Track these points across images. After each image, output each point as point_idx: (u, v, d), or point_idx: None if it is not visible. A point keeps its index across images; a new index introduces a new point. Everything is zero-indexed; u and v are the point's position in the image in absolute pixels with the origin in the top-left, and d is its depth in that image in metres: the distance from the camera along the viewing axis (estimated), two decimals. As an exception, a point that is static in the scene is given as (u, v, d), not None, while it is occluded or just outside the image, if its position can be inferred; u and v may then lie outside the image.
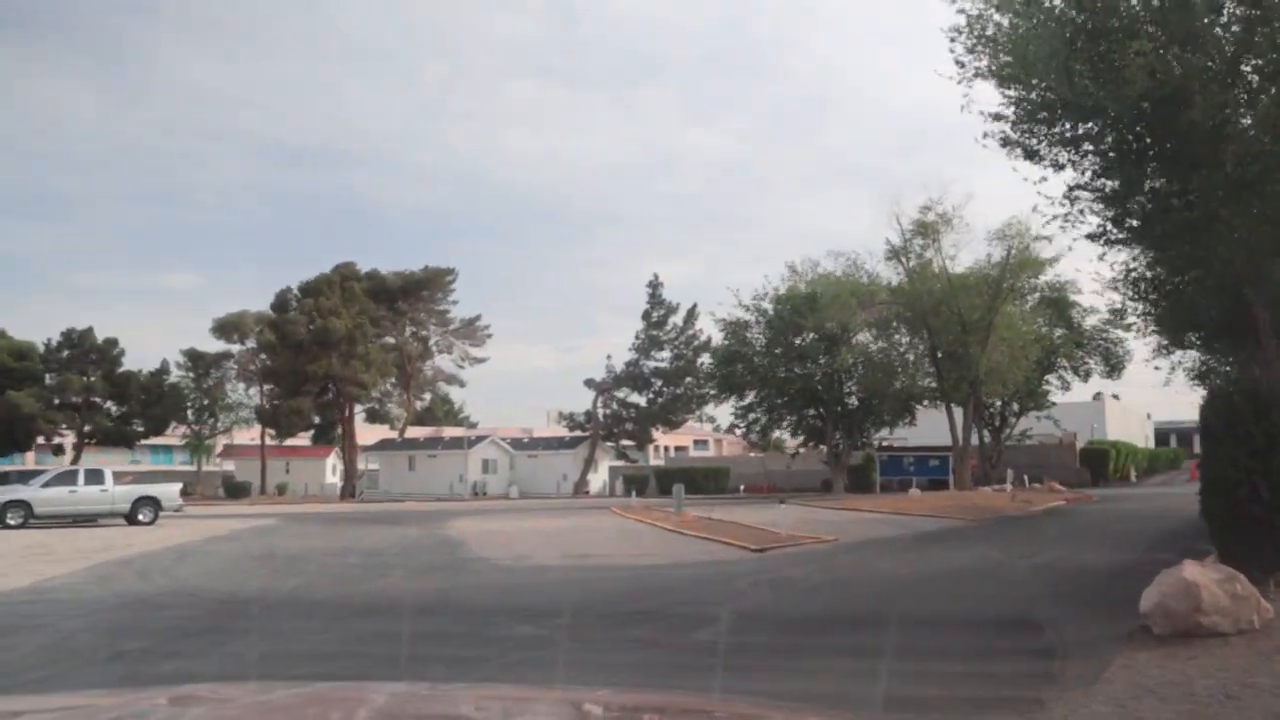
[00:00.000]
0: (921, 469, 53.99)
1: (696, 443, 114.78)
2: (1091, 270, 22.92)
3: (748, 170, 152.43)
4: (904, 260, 43.83)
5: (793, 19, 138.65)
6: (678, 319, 63.45)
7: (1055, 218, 17.15)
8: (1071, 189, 16.72)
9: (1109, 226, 17.78)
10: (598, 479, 67.54)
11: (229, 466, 70.97)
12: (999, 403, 54.66)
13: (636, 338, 63.79)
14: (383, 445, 71.57)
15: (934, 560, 18.30)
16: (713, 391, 58.06)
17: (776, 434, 61.78)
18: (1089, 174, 16.53)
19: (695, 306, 62.97)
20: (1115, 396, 77.30)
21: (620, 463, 69.19)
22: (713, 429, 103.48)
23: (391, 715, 2.31)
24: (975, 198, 74.22)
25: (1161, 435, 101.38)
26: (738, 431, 58.31)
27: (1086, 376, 54.51)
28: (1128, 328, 30.71)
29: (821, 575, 16.01)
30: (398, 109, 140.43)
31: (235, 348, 66.36)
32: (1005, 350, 42.84)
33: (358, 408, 68.53)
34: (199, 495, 62.22)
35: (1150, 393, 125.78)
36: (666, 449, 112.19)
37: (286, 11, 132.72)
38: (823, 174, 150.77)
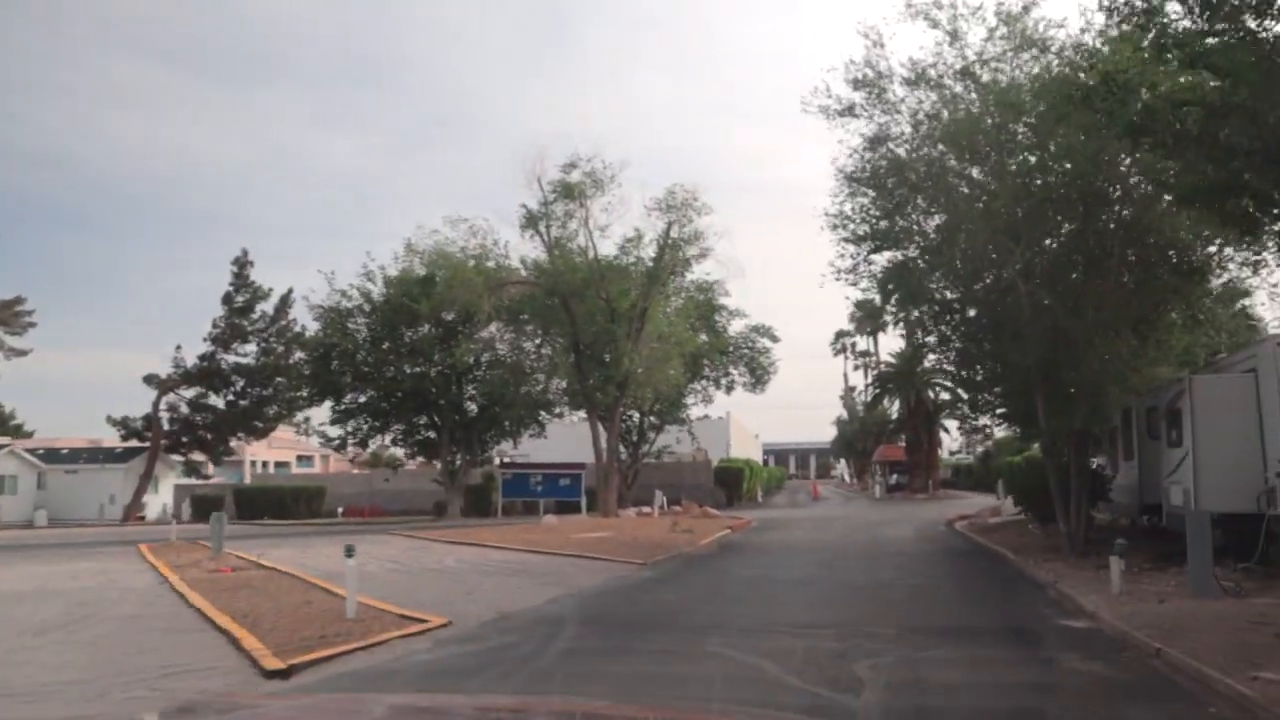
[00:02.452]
0: (551, 489, 44.23)
1: (301, 458, 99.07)
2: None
3: (373, 182, 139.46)
4: (543, 231, 33.56)
5: (422, 34, 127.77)
6: (268, 307, 49.80)
7: None
8: None
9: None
10: (159, 500, 52.19)
11: None
12: (637, 415, 46.10)
13: (214, 326, 49.29)
14: None
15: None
16: (304, 393, 45.08)
17: (388, 449, 49.82)
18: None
19: (290, 293, 49.63)
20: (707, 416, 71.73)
21: (190, 480, 54.14)
22: (322, 442, 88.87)
23: None
24: (633, 164, 65.15)
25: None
26: (331, 442, 45.62)
27: (730, 388, 47.14)
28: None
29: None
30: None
31: None
32: (658, 347, 33.89)
33: None
34: None
35: (748, 413, 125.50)
36: (265, 464, 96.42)
37: None
38: (451, 191, 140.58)
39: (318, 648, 10.27)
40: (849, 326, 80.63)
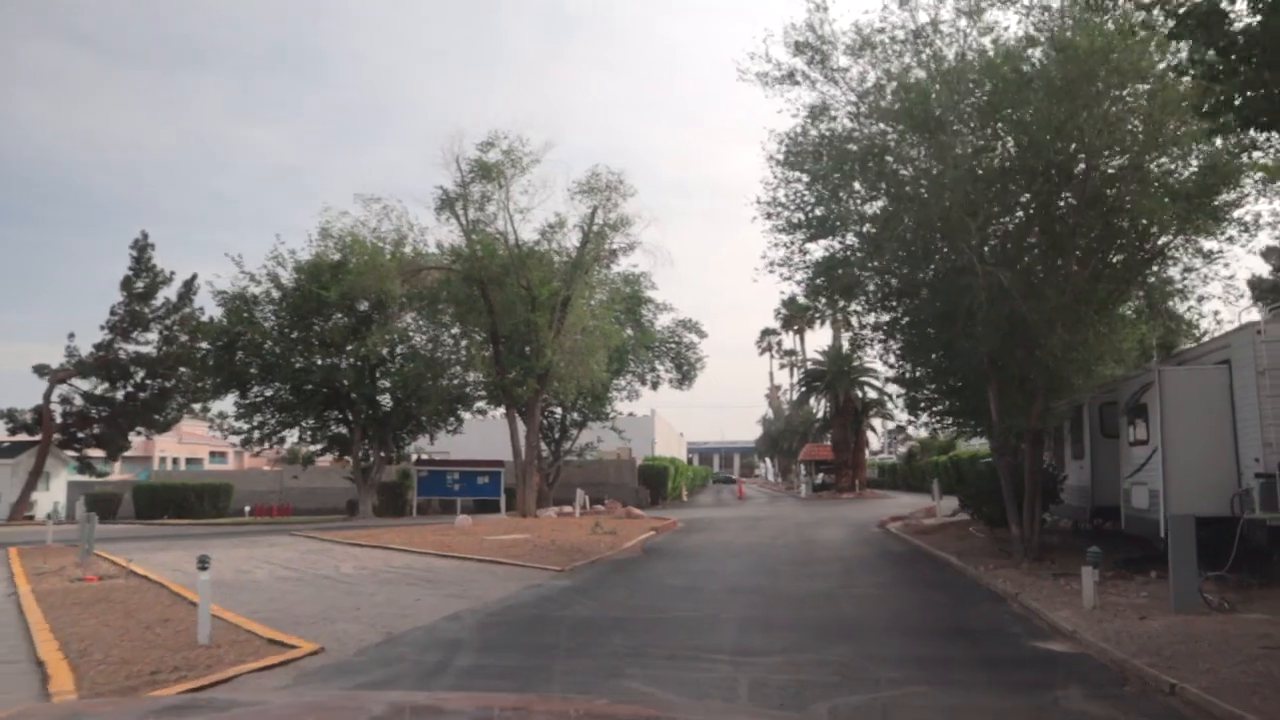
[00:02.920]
0: (469, 487, 42.06)
1: (214, 454, 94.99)
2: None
3: (301, 175, 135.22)
4: (461, 214, 31.22)
5: (354, 28, 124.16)
6: (171, 293, 46.51)
7: None
8: None
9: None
10: (50, 498, 48.50)
11: None
12: (560, 411, 44.04)
13: (113, 313, 45.81)
14: None
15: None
16: (208, 385, 41.99)
17: (304, 445, 46.73)
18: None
19: (195, 278, 46.30)
20: (632, 414, 69.61)
21: (83, 477, 50.59)
22: (225, 437, 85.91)
23: None
24: (557, 146, 62.31)
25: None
26: (231, 437, 42.73)
27: (656, 384, 45.32)
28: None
29: None
30: None
31: None
32: (582, 339, 31.90)
33: None
34: None
35: (672, 411, 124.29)
36: (176, 461, 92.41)
37: None
38: (375, 186, 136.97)
39: (142, 688, 8.14)
40: (776, 325, 79.69)
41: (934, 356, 18.05)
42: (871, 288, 19.64)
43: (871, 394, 53.35)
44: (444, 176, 31.03)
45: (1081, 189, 14.70)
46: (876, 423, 61.58)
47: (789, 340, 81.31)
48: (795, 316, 74.89)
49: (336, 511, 45.86)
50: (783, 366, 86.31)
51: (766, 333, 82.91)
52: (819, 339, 76.62)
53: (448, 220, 31.16)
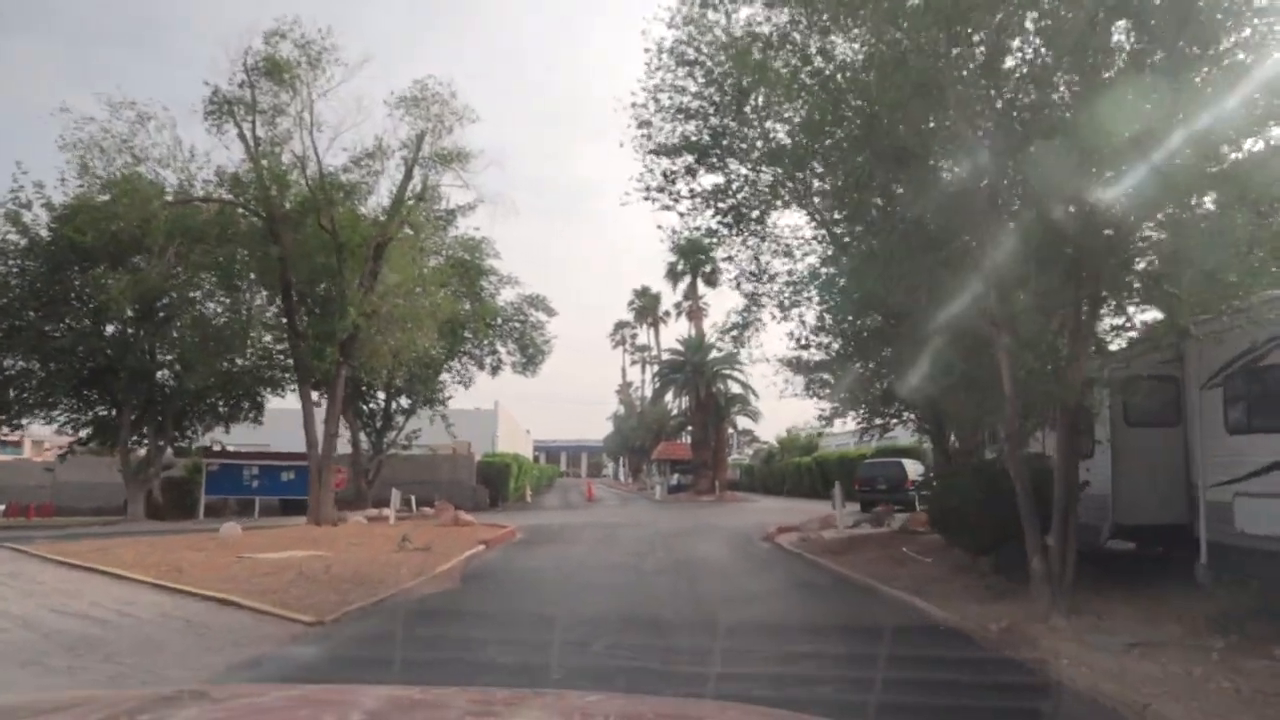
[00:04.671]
0: (271, 485, 34.24)
1: (4, 444, 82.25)
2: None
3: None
4: (244, 127, 23.23)
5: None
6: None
7: None
8: None
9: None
10: None
11: None
12: (383, 396, 36.43)
13: None
14: None
15: None
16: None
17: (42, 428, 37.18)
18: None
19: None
20: (477, 409, 61.83)
21: None
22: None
23: (383, 717, 2.00)
24: (375, 61, 53.43)
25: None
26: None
27: (496, 369, 38.04)
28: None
29: None
30: None
31: None
32: (403, 305, 24.52)
33: None
34: None
35: (518, 405, 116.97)
36: (-42, 453, 79.62)
37: None
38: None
39: None
40: (629, 317, 73.91)
41: (918, 299, 11.56)
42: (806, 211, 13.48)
43: (735, 388, 47.65)
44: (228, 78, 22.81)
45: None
46: (743, 420, 56.17)
47: (643, 335, 75.48)
48: (648, 308, 69.27)
49: (116, 511, 37.05)
50: (634, 362, 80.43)
51: (620, 325, 76.81)
52: (675, 329, 70.93)
53: (221, 135, 22.92)
